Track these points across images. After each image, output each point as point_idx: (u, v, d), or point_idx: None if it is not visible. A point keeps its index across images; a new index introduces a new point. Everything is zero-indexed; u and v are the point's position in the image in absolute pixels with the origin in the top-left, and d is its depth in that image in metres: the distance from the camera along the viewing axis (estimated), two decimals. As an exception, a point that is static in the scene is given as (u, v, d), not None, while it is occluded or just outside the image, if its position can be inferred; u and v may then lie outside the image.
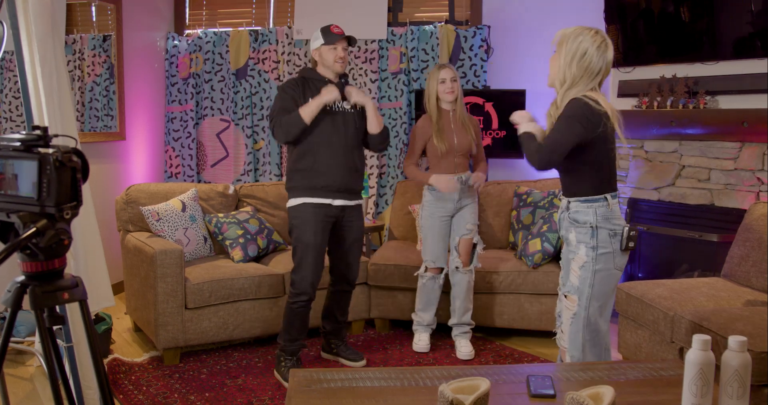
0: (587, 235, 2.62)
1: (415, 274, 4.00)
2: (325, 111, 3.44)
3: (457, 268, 3.88)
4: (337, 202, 3.53)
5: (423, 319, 3.98)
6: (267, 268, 4.09)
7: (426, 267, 3.93)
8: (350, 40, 3.50)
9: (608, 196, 2.62)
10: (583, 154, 2.59)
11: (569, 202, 2.70)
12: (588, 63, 2.52)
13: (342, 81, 3.57)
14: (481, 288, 4.09)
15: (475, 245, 3.94)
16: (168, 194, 4.34)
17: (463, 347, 3.90)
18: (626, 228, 2.61)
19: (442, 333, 4.16)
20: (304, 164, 3.48)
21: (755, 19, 3.88)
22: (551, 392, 2.04)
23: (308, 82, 3.51)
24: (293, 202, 3.53)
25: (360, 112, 3.58)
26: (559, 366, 2.44)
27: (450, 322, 4.00)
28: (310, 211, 3.48)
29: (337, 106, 3.51)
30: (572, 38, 2.54)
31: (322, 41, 3.46)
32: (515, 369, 2.33)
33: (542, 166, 2.61)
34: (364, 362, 3.78)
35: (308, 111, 3.37)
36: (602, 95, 2.59)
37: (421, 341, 3.98)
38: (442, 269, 3.92)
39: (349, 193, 3.58)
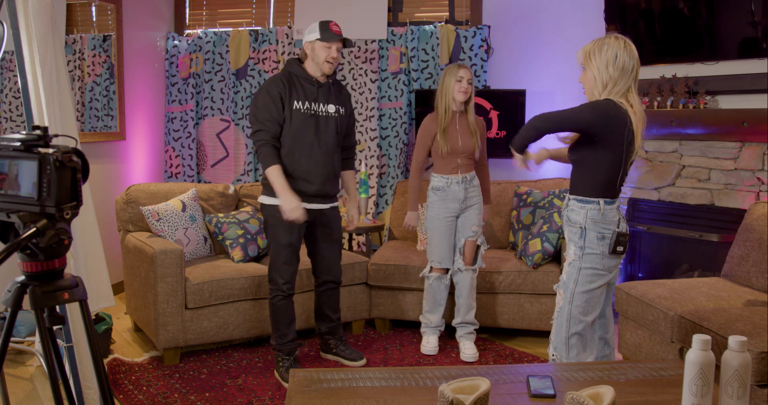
0: (576, 234, 2.71)
1: (420, 275, 4.00)
2: (310, 115, 3.43)
3: (459, 269, 3.88)
4: (311, 206, 3.50)
5: (431, 321, 3.98)
6: (267, 268, 4.08)
7: (431, 267, 3.92)
8: (345, 42, 3.46)
9: (602, 200, 2.66)
10: (594, 153, 2.63)
11: (569, 198, 2.76)
12: (622, 63, 2.62)
13: (329, 81, 3.53)
14: (481, 288, 4.09)
15: (478, 246, 3.93)
16: (168, 194, 4.34)
17: (468, 349, 3.90)
18: (616, 232, 2.64)
19: (443, 333, 4.16)
20: (283, 167, 3.41)
21: (755, 20, 3.88)
22: (551, 392, 2.04)
23: (293, 78, 3.45)
24: (268, 200, 3.47)
25: (342, 117, 3.56)
26: (559, 366, 2.44)
27: (454, 322, 4.00)
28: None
29: (322, 111, 3.48)
30: (598, 50, 2.65)
31: (318, 36, 3.40)
32: (515, 369, 2.33)
33: (529, 125, 2.70)
34: (363, 361, 3.78)
35: (269, 175, 3.35)
36: (638, 99, 2.67)
37: (429, 343, 3.97)
38: (448, 270, 3.91)
39: (324, 198, 3.56)
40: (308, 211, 3.46)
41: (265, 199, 3.51)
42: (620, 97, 2.64)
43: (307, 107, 3.43)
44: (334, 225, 3.65)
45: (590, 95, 2.72)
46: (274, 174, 3.35)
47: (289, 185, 3.38)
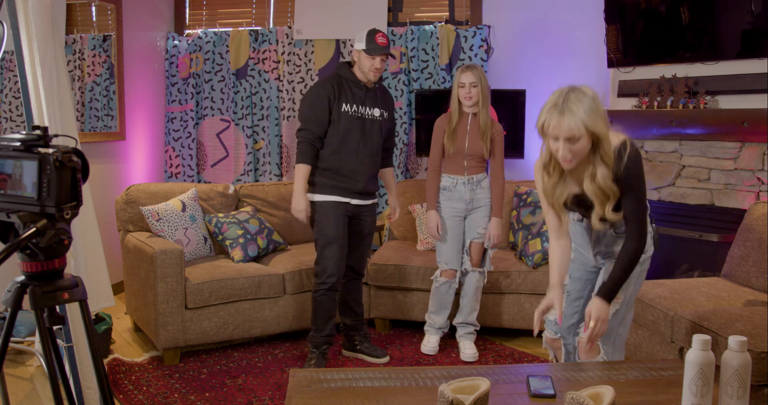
0: None
1: (431, 278, 3.98)
2: (357, 117, 3.57)
3: (466, 269, 3.88)
4: (354, 202, 3.66)
5: (435, 321, 3.97)
6: (267, 268, 4.09)
7: (440, 271, 3.90)
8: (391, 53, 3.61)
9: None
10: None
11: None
12: (603, 111, 2.33)
13: (376, 85, 3.67)
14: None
15: (486, 249, 3.91)
16: (168, 194, 4.34)
17: (467, 349, 3.90)
18: (659, 232, 2.62)
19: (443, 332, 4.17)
20: (330, 165, 3.58)
21: (755, 19, 3.88)
22: (551, 392, 2.04)
23: (343, 81, 3.59)
24: (317, 197, 3.62)
25: (385, 120, 3.70)
26: (559, 366, 2.44)
27: (455, 321, 4.00)
28: (331, 207, 3.60)
29: (368, 114, 3.62)
30: (596, 111, 2.28)
31: (363, 47, 3.53)
32: (515, 369, 2.33)
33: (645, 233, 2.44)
34: (387, 358, 3.83)
35: (296, 172, 3.56)
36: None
37: (429, 343, 3.97)
38: (456, 272, 3.89)
39: (366, 195, 3.71)
40: (351, 205, 3.65)
41: (313, 197, 3.62)
42: None
43: (354, 110, 3.58)
44: (368, 219, 3.77)
45: (579, 158, 2.32)
46: (300, 172, 3.55)
47: (336, 183, 3.58)
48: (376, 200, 3.82)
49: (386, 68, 5.35)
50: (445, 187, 3.86)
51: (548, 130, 2.32)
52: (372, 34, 3.54)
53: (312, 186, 3.63)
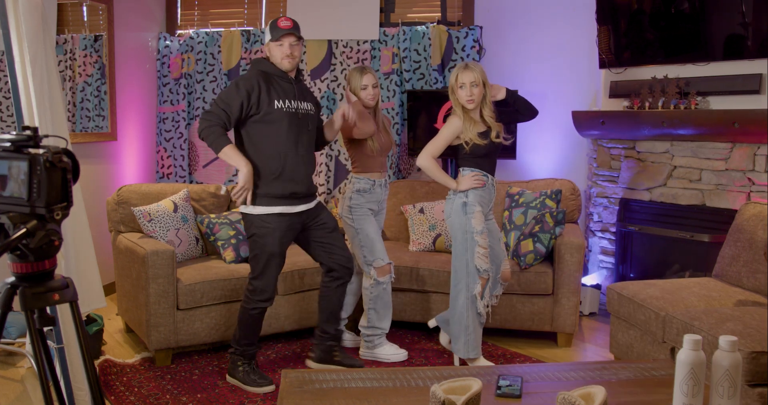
0: None
1: (371, 282, 3.84)
2: (291, 113, 3.32)
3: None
4: (299, 208, 3.41)
5: (384, 326, 3.92)
6: (259, 269, 4.07)
7: (377, 270, 3.79)
8: (299, 33, 3.33)
9: None
10: None
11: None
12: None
13: (300, 78, 3.48)
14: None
15: None
16: (159, 195, 4.33)
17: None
18: None
19: (431, 333, 4.17)
20: (271, 170, 3.30)
21: (746, 21, 3.90)
22: (517, 393, 2.06)
23: (269, 76, 3.32)
24: (257, 210, 3.33)
25: (315, 113, 3.50)
26: (551, 366, 2.45)
27: (344, 316, 4.06)
28: (275, 221, 3.33)
29: (301, 108, 3.38)
30: (479, 70, 3.50)
31: (269, 37, 3.30)
32: (507, 369, 2.33)
33: None
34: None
35: (227, 155, 3.22)
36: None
37: (398, 350, 3.91)
38: (391, 266, 3.87)
39: (311, 197, 3.49)
40: (296, 214, 3.40)
41: (250, 209, 3.34)
42: None
43: (288, 106, 3.31)
44: (323, 214, 3.53)
45: (478, 100, 3.50)
46: (232, 151, 3.23)
47: (280, 190, 3.33)
48: (319, 200, 3.56)
49: (378, 68, 5.36)
50: (365, 189, 3.81)
51: (459, 80, 3.49)
52: (274, 22, 3.29)
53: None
